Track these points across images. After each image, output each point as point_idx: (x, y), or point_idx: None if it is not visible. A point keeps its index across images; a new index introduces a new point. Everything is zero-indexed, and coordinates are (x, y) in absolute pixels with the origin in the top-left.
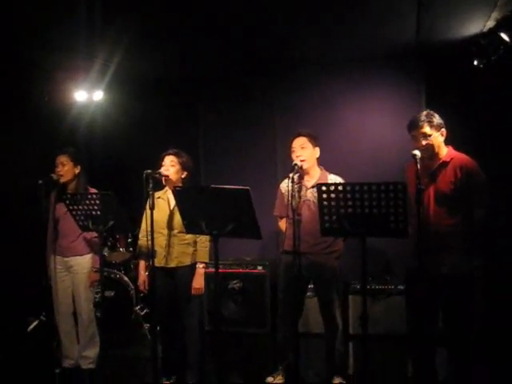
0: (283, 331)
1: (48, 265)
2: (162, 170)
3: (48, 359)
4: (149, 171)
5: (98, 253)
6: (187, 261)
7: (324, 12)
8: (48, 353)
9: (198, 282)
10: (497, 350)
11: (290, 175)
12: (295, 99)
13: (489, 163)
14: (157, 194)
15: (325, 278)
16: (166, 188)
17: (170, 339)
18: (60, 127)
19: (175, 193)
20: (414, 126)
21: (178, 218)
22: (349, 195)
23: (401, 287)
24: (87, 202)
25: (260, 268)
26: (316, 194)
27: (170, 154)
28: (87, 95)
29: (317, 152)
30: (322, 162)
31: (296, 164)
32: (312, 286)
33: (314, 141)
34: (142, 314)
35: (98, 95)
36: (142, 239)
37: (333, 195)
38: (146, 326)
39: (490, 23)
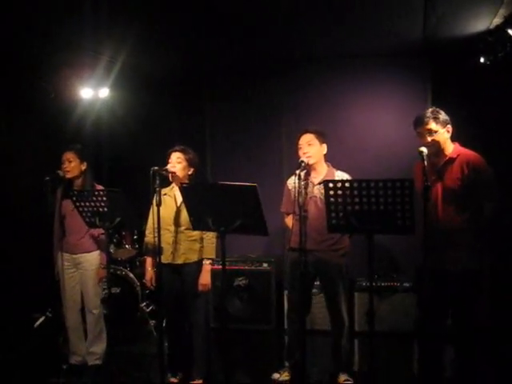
0: (290, 328)
1: (55, 261)
2: (169, 167)
3: (55, 355)
4: (156, 168)
5: (104, 250)
6: (194, 257)
7: (330, 9)
8: (55, 349)
9: (205, 279)
10: (502, 349)
11: (297, 172)
12: (301, 97)
13: (495, 160)
14: (163, 191)
15: (331, 275)
16: (173, 185)
17: (176, 336)
18: (66, 124)
19: (182, 189)
20: (419, 122)
21: (184, 214)
22: (356, 192)
23: (407, 285)
24: (94, 198)
25: (266, 265)
26: (323, 191)
27: (176, 151)
28: (93, 92)
29: (324, 148)
30: (327, 159)
31: (303, 161)
32: (318, 282)
33: (322, 137)
34: (148, 310)
35: (104, 92)
36: (149, 236)
37: (340, 192)
38: (152, 322)
39: (497, 20)
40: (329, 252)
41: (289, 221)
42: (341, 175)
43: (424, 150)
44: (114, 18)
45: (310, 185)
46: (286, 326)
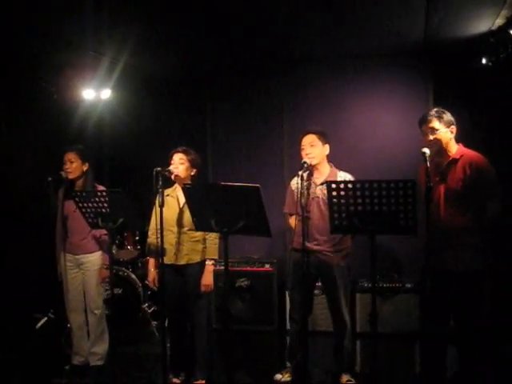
0: (292, 329)
1: (58, 262)
2: (172, 168)
3: (57, 356)
4: (158, 169)
5: (107, 250)
6: (197, 258)
7: (330, 9)
8: (57, 350)
9: (208, 279)
10: (502, 349)
11: (300, 173)
12: (302, 97)
13: (497, 161)
14: (166, 192)
15: (332, 276)
16: (176, 185)
17: (178, 336)
18: (68, 125)
19: (185, 190)
20: (423, 120)
21: (187, 215)
22: (358, 193)
23: (409, 285)
24: (96, 199)
25: (268, 266)
26: (325, 191)
27: (178, 152)
28: (95, 93)
29: (326, 149)
30: (329, 159)
31: (305, 162)
32: (320, 283)
33: (324, 138)
34: (150, 311)
35: (106, 93)
36: (152, 237)
37: (342, 193)
38: (154, 323)
39: (500, 21)
40: (331, 253)
41: (292, 221)
42: (343, 176)
43: (426, 151)
44: (115, 18)
45: (313, 185)
46: (287, 327)
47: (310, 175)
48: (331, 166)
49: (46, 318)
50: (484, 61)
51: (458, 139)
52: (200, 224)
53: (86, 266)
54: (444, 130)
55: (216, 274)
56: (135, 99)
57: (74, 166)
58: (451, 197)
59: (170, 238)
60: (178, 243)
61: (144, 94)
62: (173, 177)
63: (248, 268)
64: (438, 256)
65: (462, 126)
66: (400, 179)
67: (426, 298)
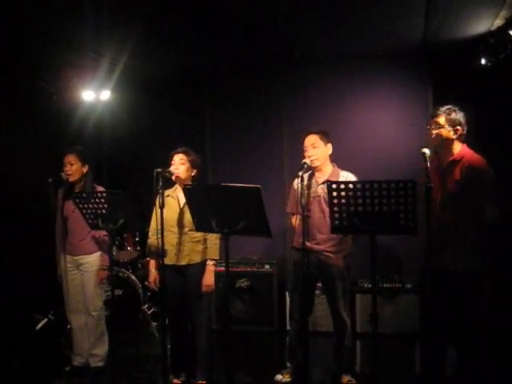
0: (293, 329)
1: (58, 263)
2: (172, 169)
3: (57, 357)
4: (159, 170)
5: (107, 251)
6: (198, 258)
7: (331, 9)
8: (57, 351)
9: (209, 279)
10: (502, 350)
11: (299, 173)
12: (302, 97)
13: (497, 161)
14: (166, 193)
15: (332, 276)
16: (176, 186)
17: (179, 337)
18: (68, 126)
19: (185, 191)
20: (433, 113)
21: (188, 216)
22: (359, 193)
23: (409, 286)
24: (97, 200)
25: (267, 267)
26: (327, 190)
27: (179, 153)
28: (94, 95)
29: (329, 149)
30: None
31: (305, 162)
32: (320, 284)
33: (326, 138)
34: (150, 312)
35: (106, 95)
36: (152, 237)
37: (343, 193)
38: (154, 324)
39: (499, 22)
40: (331, 253)
41: (294, 221)
42: (346, 175)
43: (426, 151)
44: (115, 19)
45: (315, 184)
46: (287, 328)
47: (312, 175)
48: (334, 166)
49: (46, 319)
50: (483, 62)
51: (463, 140)
52: (200, 224)
53: (85, 267)
54: (448, 128)
55: (216, 274)
56: (134, 100)
57: (73, 169)
58: (449, 197)
59: (171, 239)
60: (179, 244)
61: (143, 95)
62: (173, 177)
63: (248, 269)
64: (438, 256)
65: None
66: (400, 179)
67: (426, 297)
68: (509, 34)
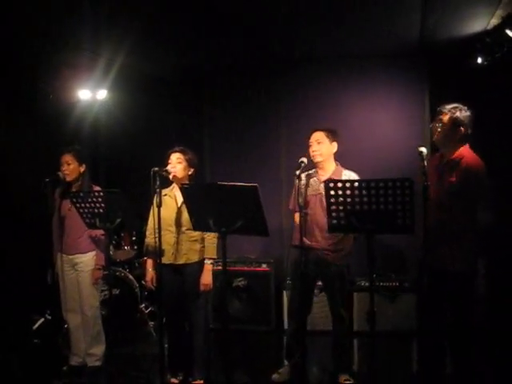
0: (291, 328)
1: (55, 262)
2: (169, 168)
3: (54, 357)
4: (156, 169)
5: (103, 250)
6: (195, 257)
7: (329, 9)
8: (54, 350)
9: (207, 278)
10: (500, 350)
11: (297, 172)
12: (300, 97)
13: (493, 161)
14: (163, 192)
15: (332, 274)
16: (173, 185)
17: (176, 336)
18: (65, 125)
19: (183, 190)
20: (439, 111)
21: (185, 215)
22: (356, 192)
23: (406, 284)
24: (94, 199)
25: (265, 266)
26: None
27: (176, 151)
28: (91, 94)
29: (334, 147)
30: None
31: (302, 161)
32: (320, 282)
33: (332, 136)
34: (147, 312)
35: (102, 94)
36: (150, 237)
37: (340, 192)
38: (151, 323)
39: (495, 21)
40: (330, 251)
41: (297, 218)
42: (348, 174)
43: (423, 149)
44: (113, 19)
45: (317, 182)
46: (285, 327)
47: (314, 173)
48: (337, 165)
49: (42, 319)
50: (480, 60)
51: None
52: (198, 224)
53: (80, 267)
54: (450, 127)
55: (213, 273)
56: (131, 99)
57: (71, 168)
58: (445, 196)
59: (169, 238)
60: (177, 243)
61: (140, 94)
62: (171, 176)
63: (245, 268)
64: (434, 254)
65: None
66: (397, 178)
67: (422, 295)
68: (505, 33)
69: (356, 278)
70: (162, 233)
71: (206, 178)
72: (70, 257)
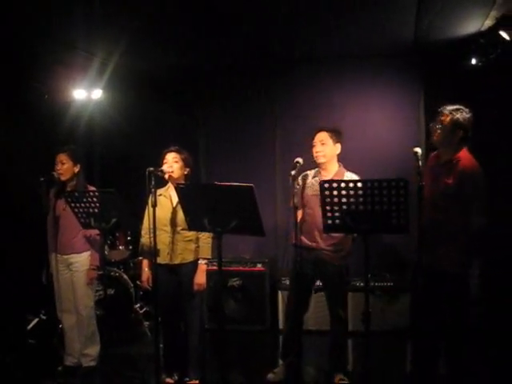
0: (288, 327)
1: (50, 262)
2: (166, 167)
3: (49, 357)
4: (151, 169)
5: (98, 250)
6: (190, 257)
7: (323, 9)
8: (49, 351)
9: (201, 278)
10: (497, 351)
11: (292, 172)
12: (294, 97)
13: (487, 162)
14: (158, 192)
15: (330, 274)
16: (168, 185)
17: (171, 336)
18: (59, 125)
19: (178, 190)
20: (439, 112)
21: (180, 214)
22: (351, 192)
23: (400, 284)
24: (89, 199)
25: (260, 266)
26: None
27: (172, 151)
28: (86, 93)
29: (337, 148)
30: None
31: (298, 161)
32: (319, 282)
33: (336, 137)
34: (142, 312)
35: (97, 93)
36: (145, 237)
37: (335, 192)
38: (146, 323)
39: (489, 22)
40: (329, 252)
41: (299, 215)
42: (350, 176)
43: (418, 150)
44: (110, 18)
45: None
46: (280, 327)
47: (318, 172)
48: (340, 166)
49: (37, 319)
50: (474, 61)
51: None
52: (193, 223)
53: (75, 267)
54: (449, 128)
55: (208, 273)
56: (126, 99)
57: (65, 168)
58: (440, 197)
59: (164, 238)
60: (172, 243)
61: (135, 94)
62: (166, 176)
63: (240, 268)
64: (430, 255)
65: None
66: (392, 178)
67: (416, 296)
68: (499, 35)
69: (351, 278)
70: (157, 233)
71: (202, 179)
72: (65, 257)
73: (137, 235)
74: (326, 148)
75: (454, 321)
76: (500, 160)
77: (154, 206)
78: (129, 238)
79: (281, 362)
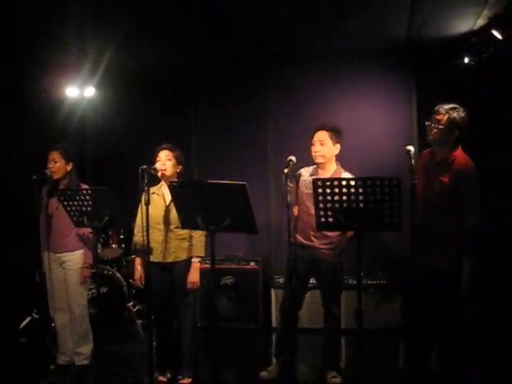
0: (282, 325)
1: (42, 261)
2: (159, 165)
3: (42, 356)
4: (144, 166)
5: (91, 249)
6: (184, 256)
7: (323, 9)
8: (42, 349)
9: (194, 276)
10: (490, 351)
11: (285, 170)
12: (286, 96)
13: (480, 160)
14: (151, 190)
15: (325, 272)
16: (161, 183)
17: (165, 334)
18: (52, 123)
19: (171, 188)
20: (435, 110)
21: (174, 213)
22: (344, 190)
23: (392, 282)
24: (81, 197)
25: (253, 264)
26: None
27: (164, 149)
28: (79, 91)
29: (336, 149)
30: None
31: (291, 160)
32: (313, 280)
33: (336, 137)
34: (135, 310)
35: (90, 91)
36: (138, 235)
37: (328, 190)
38: (139, 322)
39: (481, 21)
40: (324, 250)
41: (296, 212)
42: (347, 176)
43: (411, 148)
44: (103, 17)
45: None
46: (273, 325)
47: (315, 170)
48: (338, 165)
49: (29, 318)
50: (466, 60)
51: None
52: (186, 221)
53: (68, 265)
54: (445, 127)
55: (201, 271)
56: (119, 97)
57: (57, 166)
58: (434, 196)
59: (157, 236)
60: (165, 241)
61: (128, 92)
62: (159, 174)
63: (233, 266)
64: (424, 254)
65: None
66: (385, 177)
67: (409, 294)
68: (491, 34)
69: (344, 275)
70: (150, 231)
71: (194, 177)
72: (58, 255)
73: (130, 233)
74: (325, 148)
75: (447, 319)
76: (492, 159)
77: (147, 204)
78: (122, 237)
79: (274, 360)
